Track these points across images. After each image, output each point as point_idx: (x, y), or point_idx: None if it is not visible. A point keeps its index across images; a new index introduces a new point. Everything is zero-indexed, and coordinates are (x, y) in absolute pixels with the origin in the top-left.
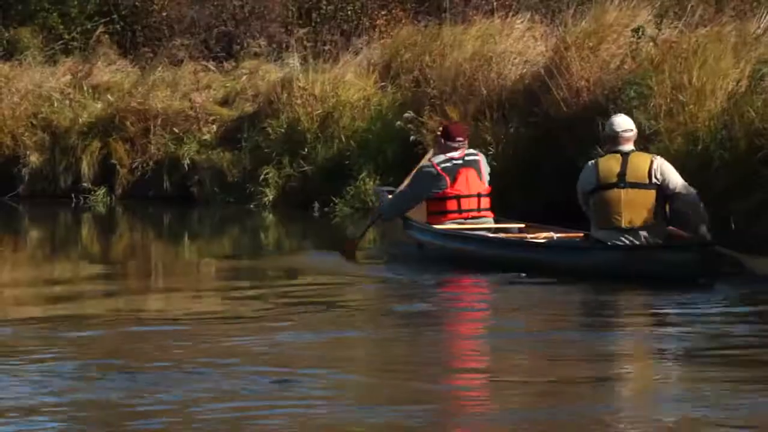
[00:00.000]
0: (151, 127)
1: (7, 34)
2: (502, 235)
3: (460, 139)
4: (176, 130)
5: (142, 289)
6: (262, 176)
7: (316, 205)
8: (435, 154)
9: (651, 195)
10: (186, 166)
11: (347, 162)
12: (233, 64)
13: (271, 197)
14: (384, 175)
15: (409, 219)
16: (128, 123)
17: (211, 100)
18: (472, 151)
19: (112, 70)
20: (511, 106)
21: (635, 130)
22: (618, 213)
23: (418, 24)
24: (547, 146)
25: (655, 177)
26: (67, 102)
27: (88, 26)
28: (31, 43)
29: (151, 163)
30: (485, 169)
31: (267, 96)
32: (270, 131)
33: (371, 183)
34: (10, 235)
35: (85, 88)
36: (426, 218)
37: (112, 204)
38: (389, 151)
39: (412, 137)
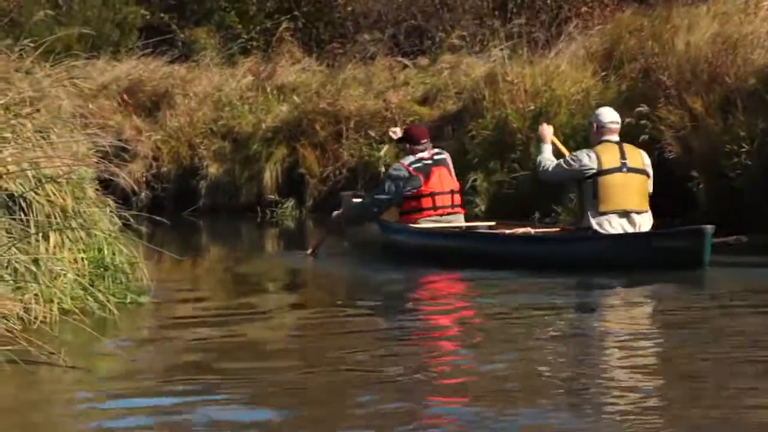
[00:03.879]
0: (344, 131)
1: (182, 35)
2: (503, 230)
3: (424, 140)
4: (371, 133)
5: (340, 322)
6: (469, 183)
7: (537, 215)
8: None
9: (646, 181)
10: (381, 172)
11: None
12: (428, 59)
13: (483, 207)
14: None
15: (385, 222)
16: (317, 127)
17: (408, 98)
18: (437, 150)
19: (297, 70)
20: (762, 96)
21: (620, 122)
22: (621, 196)
23: (623, 12)
24: None
25: (646, 167)
26: (248, 106)
27: (268, 25)
28: (207, 44)
29: (344, 170)
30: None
31: (471, 93)
32: (475, 133)
33: None
34: (190, 256)
35: (268, 90)
36: (398, 218)
37: (302, 218)
38: None
39: (644, 135)
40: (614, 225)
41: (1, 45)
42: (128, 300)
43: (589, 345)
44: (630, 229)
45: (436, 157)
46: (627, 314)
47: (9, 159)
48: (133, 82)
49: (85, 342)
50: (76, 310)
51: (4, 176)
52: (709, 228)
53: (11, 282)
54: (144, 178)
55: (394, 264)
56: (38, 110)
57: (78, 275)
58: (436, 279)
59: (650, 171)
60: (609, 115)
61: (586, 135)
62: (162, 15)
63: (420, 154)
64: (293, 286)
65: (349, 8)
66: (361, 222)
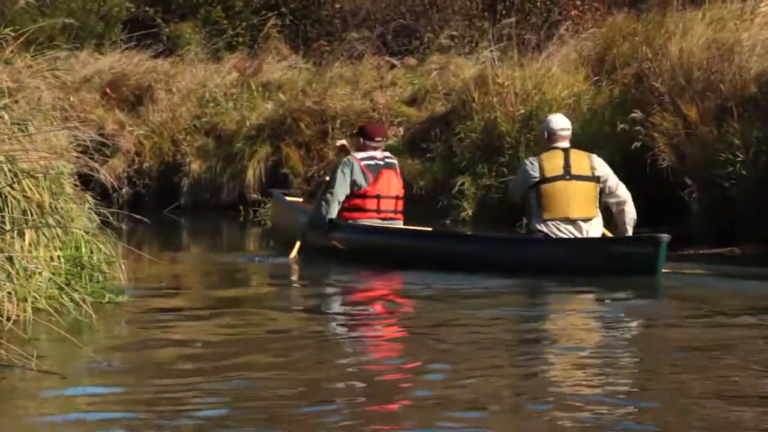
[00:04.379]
0: (329, 130)
1: (167, 30)
2: (448, 230)
3: (379, 138)
4: None
5: (331, 335)
6: (456, 187)
7: (525, 220)
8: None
9: (593, 187)
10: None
11: None
12: (417, 59)
13: (470, 212)
14: None
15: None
16: (302, 125)
17: (396, 99)
18: (389, 153)
19: (283, 67)
20: (758, 104)
21: (571, 128)
22: (564, 203)
23: (614, 16)
24: None
25: (595, 171)
26: (232, 103)
27: (254, 21)
28: (192, 39)
29: (329, 170)
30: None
31: (460, 95)
32: (463, 135)
33: None
34: (170, 254)
35: (253, 87)
36: (340, 215)
37: None
38: (605, 157)
39: (637, 142)
40: (562, 232)
41: None
42: (106, 299)
43: (544, 352)
44: (578, 236)
45: (387, 160)
46: (578, 320)
47: None
48: (117, 75)
49: (59, 344)
50: (51, 310)
51: None
52: (665, 237)
53: None
54: (125, 174)
55: (344, 264)
56: (16, 101)
57: (54, 274)
58: (388, 281)
59: (604, 173)
60: (559, 123)
61: (578, 141)
62: (147, 8)
63: (372, 152)
64: (270, 287)
65: (337, 5)
66: (323, 226)
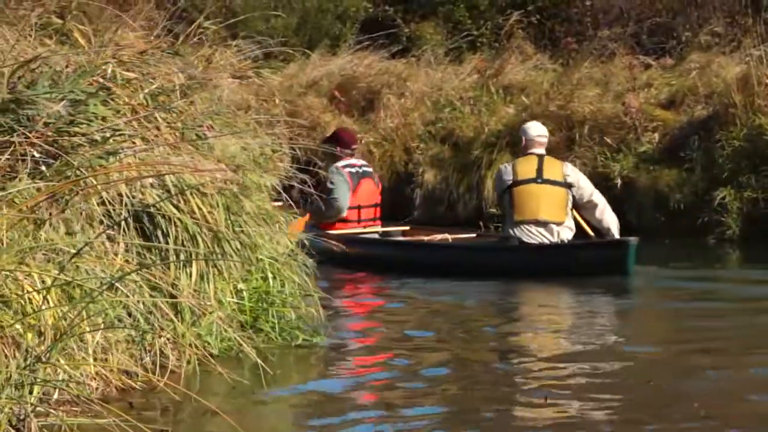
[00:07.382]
0: (576, 137)
1: (407, 30)
2: (422, 238)
3: (355, 146)
4: (608, 140)
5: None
6: (716, 200)
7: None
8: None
9: (564, 192)
10: (618, 185)
11: None
12: (674, 58)
13: (736, 229)
14: None
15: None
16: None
17: (651, 102)
18: (364, 162)
19: (527, 68)
20: None
21: (548, 136)
22: (535, 206)
23: None
24: None
25: (567, 178)
26: (470, 107)
27: (500, 20)
28: (433, 39)
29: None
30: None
31: (721, 98)
32: (725, 142)
33: None
34: (383, 289)
35: (493, 90)
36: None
37: None
38: None
39: None
40: (534, 235)
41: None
42: (299, 341)
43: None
44: (550, 239)
45: (363, 168)
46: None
47: (132, 162)
48: (347, 78)
49: (214, 410)
50: (211, 362)
51: (134, 184)
52: (633, 240)
53: (142, 324)
54: None
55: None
56: (192, 103)
57: (233, 311)
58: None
59: (576, 180)
60: (537, 129)
61: None
62: (387, 8)
63: (351, 160)
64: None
65: (588, 3)
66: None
